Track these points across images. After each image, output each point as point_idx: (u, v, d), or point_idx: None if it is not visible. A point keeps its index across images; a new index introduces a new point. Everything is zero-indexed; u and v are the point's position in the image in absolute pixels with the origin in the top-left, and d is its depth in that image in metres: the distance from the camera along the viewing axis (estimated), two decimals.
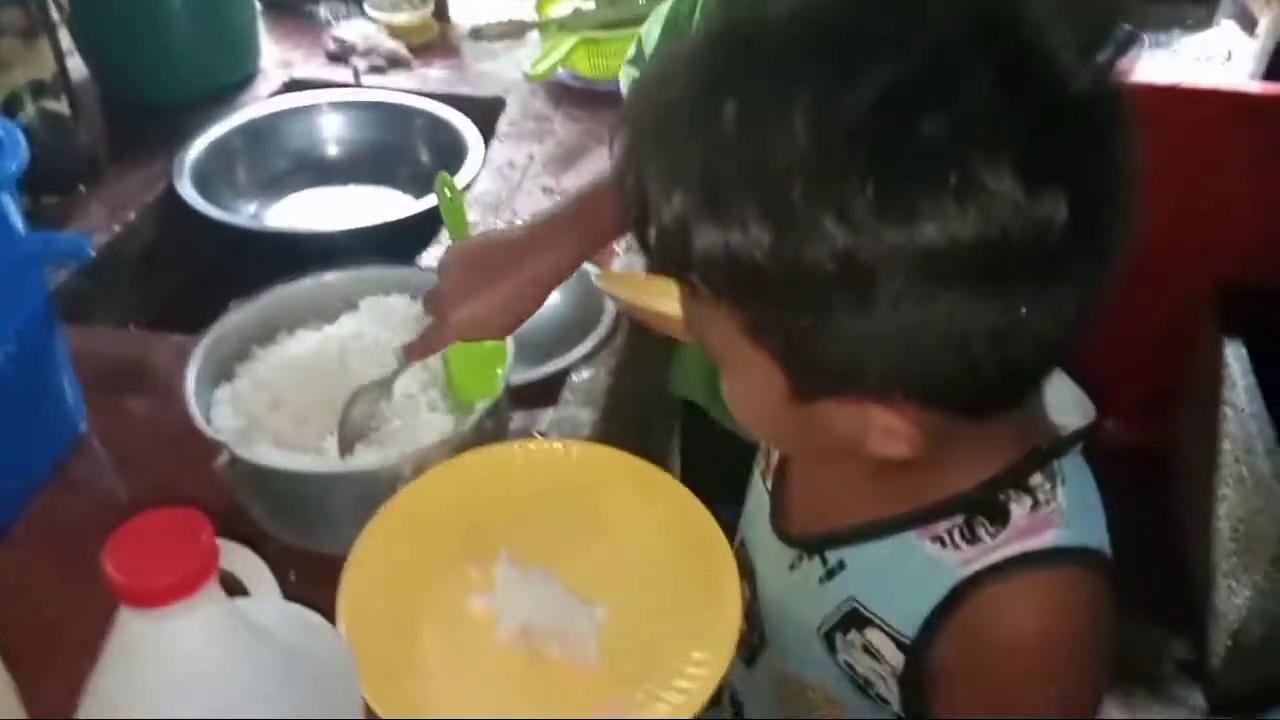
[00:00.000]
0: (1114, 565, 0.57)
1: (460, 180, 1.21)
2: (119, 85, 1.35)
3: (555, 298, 1.01)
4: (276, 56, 1.47)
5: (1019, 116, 0.43)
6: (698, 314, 0.51)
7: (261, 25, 1.46)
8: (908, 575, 0.58)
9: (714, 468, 0.79)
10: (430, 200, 1.18)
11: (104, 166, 1.22)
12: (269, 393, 0.77)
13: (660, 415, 1.27)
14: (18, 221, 0.77)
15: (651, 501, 0.68)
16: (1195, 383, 1.79)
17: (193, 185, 1.20)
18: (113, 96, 1.34)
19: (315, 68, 1.45)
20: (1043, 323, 0.46)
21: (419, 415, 0.75)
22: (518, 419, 0.85)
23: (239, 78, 1.40)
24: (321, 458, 0.72)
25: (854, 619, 0.61)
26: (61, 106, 1.14)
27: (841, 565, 0.62)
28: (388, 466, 0.69)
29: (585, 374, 0.93)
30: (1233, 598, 1.52)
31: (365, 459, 0.72)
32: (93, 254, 0.87)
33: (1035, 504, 0.56)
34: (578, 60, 1.34)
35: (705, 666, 0.58)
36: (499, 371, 0.76)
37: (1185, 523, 1.75)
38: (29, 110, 1.11)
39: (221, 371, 0.79)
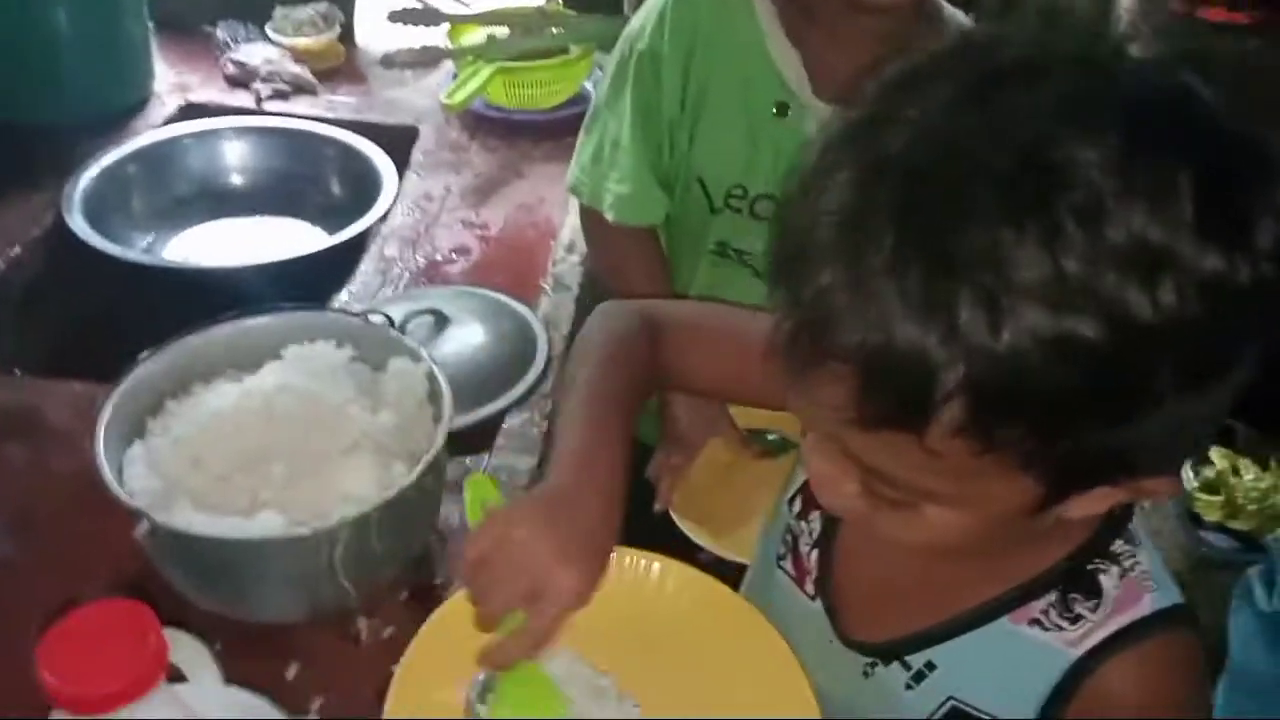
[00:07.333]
0: (1195, 615, 0.58)
1: (374, 213, 1.17)
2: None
3: (486, 337, 1.00)
4: (171, 80, 1.40)
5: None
6: (917, 463, 0.44)
7: (155, 46, 1.39)
8: (1011, 664, 0.57)
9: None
10: (344, 235, 1.15)
11: None
12: (188, 450, 0.72)
13: None
14: None
15: (730, 633, 0.61)
16: None
17: (83, 217, 1.12)
18: None
19: (213, 92, 1.39)
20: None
21: (353, 471, 0.72)
22: (452, 467, 0.82)
23: (131, 101, 1.33)
24: (251, 522, 0.67)
25: (957, 718, 0.59)
26: None
27: (931, 666, 0.60)
28: (324, 530, 0.66)
29: (519, 418, 0.91)
30: None
31: (298, 523, 0.68)
32: None
33: (1123, 571, 0.56)
34: (494, 90, 1.32)
35: None
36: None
37: None
38: None
39: (133, 428, 0.74)
